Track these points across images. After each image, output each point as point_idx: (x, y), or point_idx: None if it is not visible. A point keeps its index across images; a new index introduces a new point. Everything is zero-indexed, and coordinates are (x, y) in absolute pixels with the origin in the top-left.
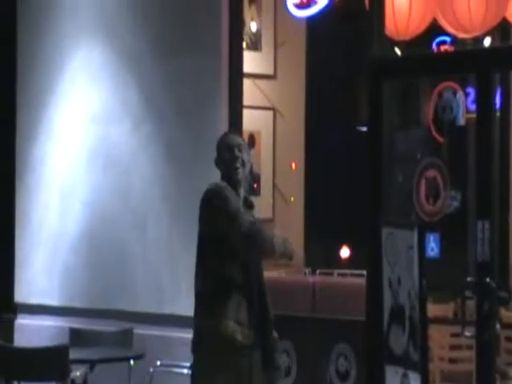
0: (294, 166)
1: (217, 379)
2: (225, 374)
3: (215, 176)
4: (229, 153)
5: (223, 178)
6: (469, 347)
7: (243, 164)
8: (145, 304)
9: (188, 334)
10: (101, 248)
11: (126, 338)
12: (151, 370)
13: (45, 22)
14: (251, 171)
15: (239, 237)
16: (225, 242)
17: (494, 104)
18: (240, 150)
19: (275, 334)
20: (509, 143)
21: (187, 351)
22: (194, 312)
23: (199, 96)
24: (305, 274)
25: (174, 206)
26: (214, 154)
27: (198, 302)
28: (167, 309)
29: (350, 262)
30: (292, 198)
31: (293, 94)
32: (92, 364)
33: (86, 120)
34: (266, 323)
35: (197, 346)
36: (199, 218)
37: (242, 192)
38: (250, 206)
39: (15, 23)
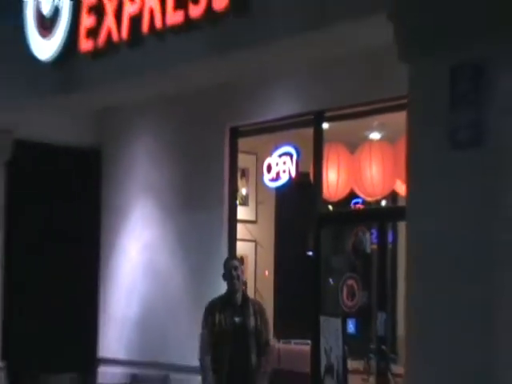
0: (266, 273)
1: None
2: None
3: (220, 283)
4: (229, 273)
5: (228, 286)
6: None
7: (238, 279)
8: (178, 358)
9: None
10: (150, 325)
11: (166, 380)
12: None
13: (116, 191)
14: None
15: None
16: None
17: (388, 240)
18: (236, 270)
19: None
20: (396, 263)
21: None
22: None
23: (209, 235)
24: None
25: (194, 298)
26: (221, 271)
27: None
28: (194, 363)
29: (302, 334)
30: (264, 296)
31: (267, 232)
32: None
33: (141, 247)
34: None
35: None
36: None
37: (240, 294)
38: (245, 298)
39: (100, 195)
